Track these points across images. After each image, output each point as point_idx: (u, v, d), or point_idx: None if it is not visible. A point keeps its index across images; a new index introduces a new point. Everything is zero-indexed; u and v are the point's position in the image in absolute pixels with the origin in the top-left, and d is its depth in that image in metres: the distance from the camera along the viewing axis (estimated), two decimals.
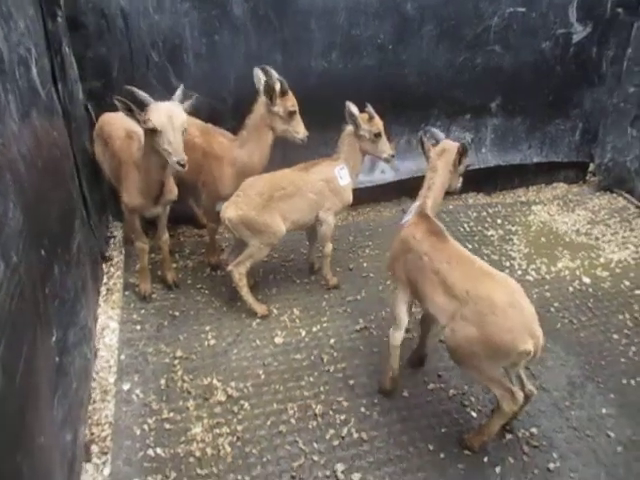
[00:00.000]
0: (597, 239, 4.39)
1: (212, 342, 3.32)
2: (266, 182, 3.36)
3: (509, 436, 2.76)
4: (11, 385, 1.75)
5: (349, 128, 3.46)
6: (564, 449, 2.71)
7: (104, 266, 3.89)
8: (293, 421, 2.83)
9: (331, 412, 2.88)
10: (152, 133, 2.85)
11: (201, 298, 3.67)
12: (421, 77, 4.38)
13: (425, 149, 2.85)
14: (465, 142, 2.81)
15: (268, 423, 2.82)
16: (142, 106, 2.82)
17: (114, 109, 3.68)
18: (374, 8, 4.04)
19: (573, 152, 5.15)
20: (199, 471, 2.58)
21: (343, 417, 2.85)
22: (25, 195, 2.20)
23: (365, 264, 4.05)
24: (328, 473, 2.58)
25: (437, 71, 4.41)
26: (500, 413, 2.53)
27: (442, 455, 2.67)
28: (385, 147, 3.50)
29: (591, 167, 5.29)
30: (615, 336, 3.41)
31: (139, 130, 3.26)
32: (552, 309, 3.63)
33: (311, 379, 3.08)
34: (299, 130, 3.44)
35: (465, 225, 4.50)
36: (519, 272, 3.98)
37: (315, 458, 2.64)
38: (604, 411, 2.91)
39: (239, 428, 2.79)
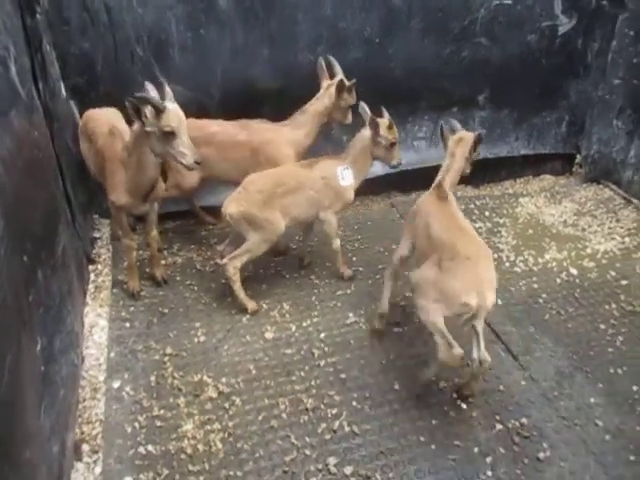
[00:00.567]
0: (584, 230, 4.42)
1: (202, 338, 3.30)
2: (268, 178, 3.34)
3: (499, 427, 2.79)
4: None
5: (367, 132, 3.41)
6: (554, 439, 2.74)
7: (91, 265, 3.84)
8: (285, 416, 2.83)
9: (322, 406, 2.89)
10: (165, 136, 2.86)
11: (190, 294, 3.65)
12: (408, 70, 4.38)
13: (444, 137, 3.15)
14: (480, 133, 3.10)
15: (260, 418, 2.81)
16: (158, 110, 2.81)
17: (99, 105, 3.68)
18: (361, 1, 4.03)
19: (560, 144, 5.19)
20: (191, 468, 2.57)
21: (335, 411, 2.86)
22: (5, 198, 2.13)
23: (354, 258, 4.05)
24: (320, 467, 2.59)
25: (424, 64, 4.41)
26: (435, 361, 2.75)
27: (433, 446, 2.69)
28: (397, 154, 3.48)
29: (577, 159, 5.32)
30: (602, 326, 3.45)
31: (123, 127, 3.26)
32: (540, 300, 3.65)
33: (302, 374, 3.08)
34: (349, 119, 3.82)
35: None
36: (507, 264, 4.00)
37: (307, 452, 2.65)
38: (592, 400, 2.95)
39: (230, 424, 2.78)
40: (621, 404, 2.93)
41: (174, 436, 2.72)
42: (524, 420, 2.82)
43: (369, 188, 4.48)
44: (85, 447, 2.65)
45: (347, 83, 3.63)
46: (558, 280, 3.85)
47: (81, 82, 3.77)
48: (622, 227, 4.46)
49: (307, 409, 2.87)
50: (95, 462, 2.59)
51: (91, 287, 3.66)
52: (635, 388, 3.02)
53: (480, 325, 2.66)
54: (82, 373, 3.02)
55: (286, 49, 4.05)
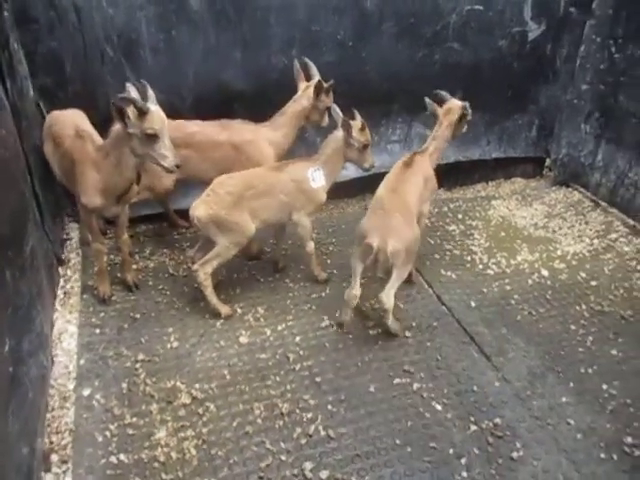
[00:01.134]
0: (554, 232, 4.50)
1: (175, 344, 3.25)
2: (237, 181, 3.30)
3: (474, 427, 2.80)
4: None
5: (339, 134, 3.42)
6: (527, 438, 2.77)
7: (61, 269, 3.75)
8: (259, 421, 2.80)
9: (298, 410, 2.86)
10: (147, 138, 2.83)
11: (163, 299, 3.59)
12: (381, 73, 4.41)
13: (433, 108, 3.56)
14: (466, 104, 3.52)
15: (234, 424, 2.78)
16: (142, 112, 2.78)
17: (67, 106, 3.60)
18: (334, 4, 4.04)
19: (530, 147, 5.28)
20: (164, 476, 2.52)
21: (310, 415, 2.84)
22: None
23: (329, 261, 4.04)
24: (296, 472, 2.56)
25: (397, 67, 4.44)
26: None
27: (409, 449, 2.69)
28: (369, 157, 3.50)
29: (547, 162, 5.44)
30: (573, 326, 3.51)
31: (89, 129, 3.22)
32: (512, 301, 3.70)
33: (277, 378, 3.05)
34: (326, 121, 3.84)
35: (427, 220, 4.53)
36: (480, 266, 4.04)
37: (283, 458, 2.62)
38: (564, 400, 2.99)
39: (204, 430, 2.74)
40: (592, 403, 2.98)
41: (147, 444, 2.66)
42: (498, 420, 2.85)
43: (343, 191, 4.50)
44: (54, 457, 2.57)
45: (325, 84, 3.64)
46: (530, 281, 3.90)
47: (49, 82, 3.69)
48: (591, 229, 4.55)
49: (282, 414, 2.84)
50: (65, 472, 2.52)
51: (60, 293, 3.57)
52: (605, 387, 3.07)
53: (395, 272, 3.10)
54: (51, 381, 2.93)
55: (259, 51, 4.03)
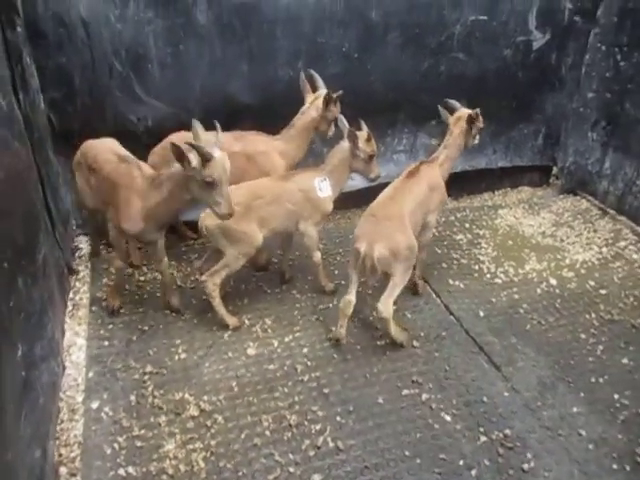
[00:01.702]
0: (562, 241, 4.48)
1: (183, 356, 3.25)
2: (245, 191, 3.31)
3: (484, 438, 2.78)
4: None
5: (345, 144, 3.44)
6: (537, 449, 2.74)
7: (72, 275, 3.79)
8: (268, 433, 2.79)
9: (306, 422, 2.85)
10: (207, 185, 2.81)
11: (170, 311, 3.59)
12: (387, 84, 4.42)
13: (444, 117, 3.63)
14: (475, 111, 3.54)
15: (242, 436, 2.77)
16: (205, 159, 2.75)
17: (77, 119, 3.65)
18: (339, 16, 4.06)
19: (537, 156, 5.27)
20: None
21: (318, 427, 2.83)
22: None
23: (336, 271, 4.04)
24: None
25: (402, 78, 4.46)
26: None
27: (418, 461, 2.67)
28: (375, 168, 3.51)
29: (554, 170, 5.43)
30: (583, 335, 3.48)
31: (127, 154, 3.26)
32: (521, 310, 3.68)
33: (285, 389, 3.05)
34: (332, 131, 3.86)
35: (434, 230, 4.52)
36: (488, 275, 4.03)
37: (291, 470, 2.61)
38: (575, 410, 2.96)
39: (213, 443, 2.73)
40: (603, 413, 2.95)
41: (155, 456, 2.66)
42: (508, 431, 2.82)
43: (350, 201, 4.50)
44: (63, 470, 2.57)
45: (334, 95, 3.67)
46: (538, 290, 3.88)
47: (58, 96, 3.73)
48: (599, 237, 4.53)
49: (290, 425, 2.83)
50: None
51: (69, 305, 3.59)
52: (616, 396, 3.04)
53: (392, 280, 3.13)
54: (60, 394, 2.94)
55: (265, 64, 4.06)
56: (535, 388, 3.09)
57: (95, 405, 2.91)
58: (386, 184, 3.50)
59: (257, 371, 3.16)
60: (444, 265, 4.14)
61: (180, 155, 2.78)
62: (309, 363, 3.22)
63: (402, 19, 4.24)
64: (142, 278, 3.85)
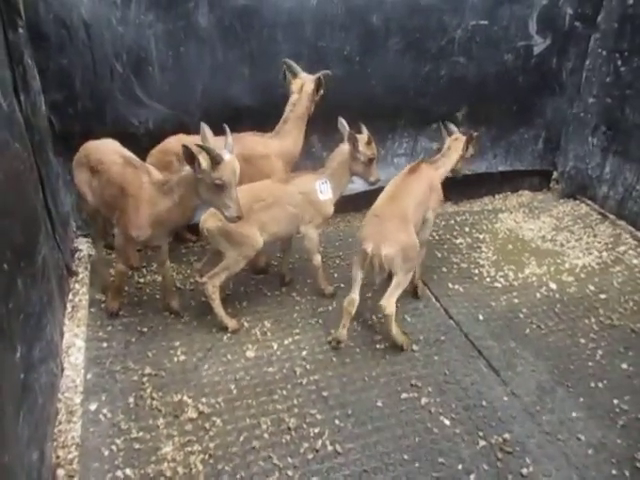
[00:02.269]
0: (562, 245, 4.48)
1: (182, 358, 3.25)
2: (245, 193, 3.31)
3: (483, 443, 2.77)
4: None
5: (345, 147, 3.45)
6: (537, 454, 2.74)
7: (72, 276, 3.79)
8: (266, 436, 2.78)
9: (305, 425, 2.85)
10: (216, 187, 2.81)
11: (170, 313, 3.59)
12: (388, 88, 4.44)
13: (444, 135, 3.79)
14: (473, 133, 3.73)
15: (241, 439, 2.76)
16: (215, 161, 2.76)
17: (78, 121, 3.66)
18: (340, 20, 4.08)
19: (537, 160, 5.28)
20: None
21: (317, 430, 2.82)
22: None
23: (336, 275, 4.04)
24: None
25: (403, 82, 4.48)
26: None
27: (417, 465, 2.66)
28: (375, 171, 3.51)
29: (554, 175, 5.44)
30: (582, 340, 3.48)
31: (132, 156, 3.25)
32: (521, 315, 3.68)
33: (284, 392, 3.04)
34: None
35: (434, 234, 4.54)
36: (488, 279, 4.03)
37: (289, 473, 2.60)
38: (574, 414, 2.96)
39: (211, 445, 2.72)
40: (602, 418, 2.94)
41: (153, 459, 2.65)
42: (507, 435, 2.81)
43: (350, 205, 4.51)
44: (60, 472, 2.56)
45: (321, 78, 3.74)
46: (538, 295, 3.88)
47: (59, 98, 3.73)
48: (599, 242, 4.53)
49: (289, 428, 2.82)
50: None
51: (68, 306, 3.58)
52: (616, 401, 3.03)
53: (396, 278, 3.18)
54: (58, 395, 2.94)
55: (266, 67, 4.06)
56: (534, 392, 3.09)
57: (93, 407, 2.90)
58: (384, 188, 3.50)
59: (256, 374, 3.16)
60: (444, 269, 4.14)
61: (190, 157, 2.78)
62: (308, 366, 3.22)
63: (403, 23, 4.25)
64: (141, 280, 3.85)
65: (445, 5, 4.28)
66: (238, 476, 2.58)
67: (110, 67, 3.73)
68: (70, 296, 3.68)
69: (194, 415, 2.87)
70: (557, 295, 3.88)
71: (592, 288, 3.95)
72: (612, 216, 4.85)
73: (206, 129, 2.96)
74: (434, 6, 4.26)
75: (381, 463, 2.67)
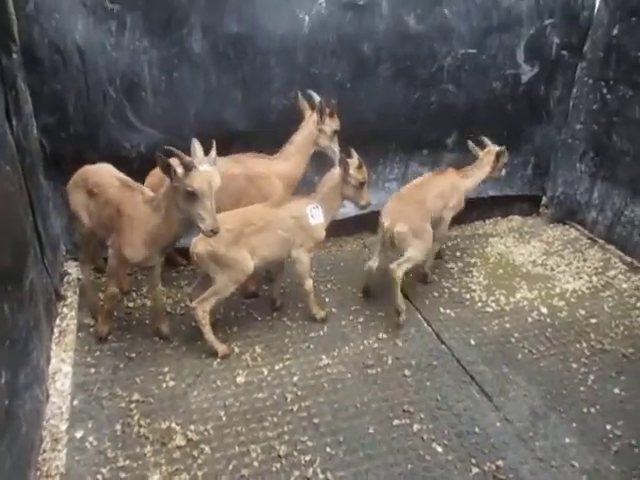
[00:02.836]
0: (552, 270, 4.50)
1: (171, 384, 3.20)
2: (237, 218, 3.32)
3: (476, 470, 2.73)
4: None
5: (336, 172, 3.48)
6: None
7: (60, 301, 3.74)
8: (256, 464, 2.73)
9: (295, 453, 2.80)
10: (189, 196, 2.81)
11: (159, 338, 3.55)
12: (379, 114, 4.48)
13: (474, 151, 4.19)
14: (503, 148, 4.12)
15: (230, 467, 2.70)
16: (187, 168, 2.77)
17: (69, 145, 3.65)
18: (331, 47, 4.14)
19: (526, 186, 5.33)
20: None
21: (308, 457, 2.77)
22: None
23: (327, 299, 4.02)
24: None
25: (394, 108, 4.53)
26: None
27: None
28: (366, 195, 3.55)
29: (544, 200, 5.49)
30: (574, 365, 3.46)
31: (128, 179, 3.26)
32: (512, 339, 3.67)
33: (274, 419, 2.99)
34: (337, 146, 3.90)
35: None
36: (479, 304, 4.02)
37: None
38: (567, 440, 2.93)
39: (199, 474, 2.66)
40: (596, 443, 2.92)
41: None
42: (500, 462, 2.78)
43: (342, 229, 4.52)
44: None
45: (326, 106, 3.76)
46: (529, 319, 3.88)
47: (52, 122, 3.74)
48: (589, 266, 4.55)
49: (279, 456, 2.77)
50: None
51: (55, 331, 3.53)
52: (608, 427, 3.01)
53: (409, 252, 3.63)
54: (43, 422, 2.88)
55: (259, 93, 4.11)
56: (527, 418, 3.06)
57: (79, 434, 2.85)
58: (378, 212, 3.52)
59: (246, 400, 3.11)
60: (435, 294, 4.14)
61: (166, 166, 2.81)
62: (299, 392, 3.18)
63: (393, 51, 4.32)
64: (130, 304, 3.82)
65: (435, 34, 4.36)
66: None
67: (103, 92, 3.75)
68: (58, 320, 3.63)
69: (182, 443, 2.82)
70: (548, 319, 3.88)
71: (583, 312, 3.96)
72: (601, 241, 4.88)
73: (196, 144, 2.98)
74: (424, 34, 4.34)
75: None
